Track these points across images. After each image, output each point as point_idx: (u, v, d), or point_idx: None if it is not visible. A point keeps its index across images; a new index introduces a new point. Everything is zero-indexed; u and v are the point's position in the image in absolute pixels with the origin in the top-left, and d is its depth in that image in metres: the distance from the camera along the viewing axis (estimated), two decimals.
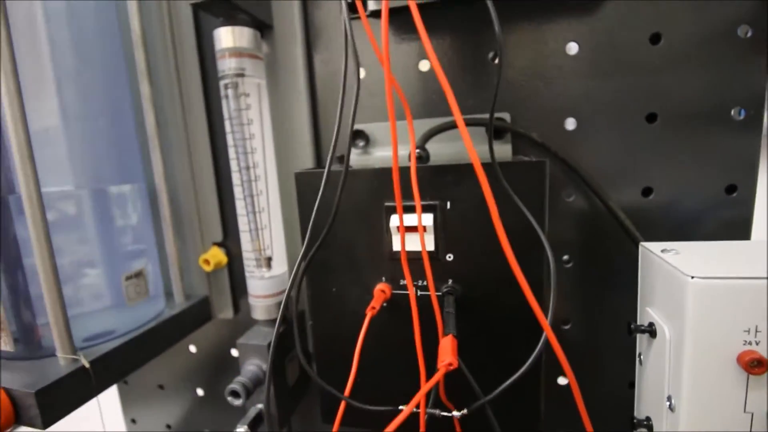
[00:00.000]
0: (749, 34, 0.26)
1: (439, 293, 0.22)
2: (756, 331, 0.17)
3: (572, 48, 0.28)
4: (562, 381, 0.32)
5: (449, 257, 0.22)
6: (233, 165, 0.30)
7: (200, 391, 0.42)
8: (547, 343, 0.18)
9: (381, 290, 0.23)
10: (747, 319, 0.17)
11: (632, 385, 0.30)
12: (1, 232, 0.27)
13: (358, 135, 0.32)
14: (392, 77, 0.20)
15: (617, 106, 0.28)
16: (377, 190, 0.23)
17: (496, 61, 0.30)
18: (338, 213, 0.22)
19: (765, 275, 0.17)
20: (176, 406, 0.44)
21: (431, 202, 0.22)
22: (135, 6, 0.32)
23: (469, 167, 0.22)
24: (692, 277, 0.18)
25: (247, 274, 0.32)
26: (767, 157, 0.33)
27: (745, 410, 0.18)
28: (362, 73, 0.32)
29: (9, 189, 0.27)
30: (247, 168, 0.29)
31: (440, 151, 0.30)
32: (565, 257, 0.31)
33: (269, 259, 0.31)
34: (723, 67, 0.26)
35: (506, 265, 0.19)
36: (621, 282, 0.30)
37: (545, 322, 0.17)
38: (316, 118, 0.33)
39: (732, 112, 0.27)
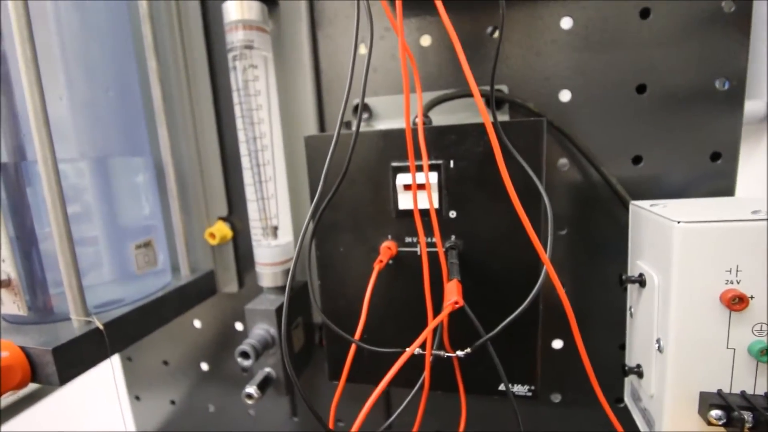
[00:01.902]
0: (732, 9, 0.28)
1: (444, 249, 0.24)
2: (737, 271, 0.19)
3: (566, 22, 0.30)
4: (557, 344, 0.34)
5: (452, 214, 0.24)
6: (241, 135, 0.31)
7: (204, 366, 0.43)
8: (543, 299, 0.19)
9: (387, 247, 0.24)
10: (728, 259, 0.19)
11: (623, 347, 0.31)
12: (15, 200, 0.27)
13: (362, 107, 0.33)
14: (405, 44, 0.21)
15: (609, 78, 0.30)
16: (383, 152, 0.24)
17: (495, 35, 0.31)
18: (346, 174, 0.23)
19: (745, 218, 0.19)
20: (180, 382, 0.44)
21: (436, 162, 0.23)
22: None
23: (471, 127, 0.23)
24: (678, 222, 0.19)
25: (254, 243, 0.33)
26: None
27: (728, 346, 0.20)
28: (363, 48, 0.33)
29: (21, 156, 0.28)
30: (254, 138, 0.30)
31: (442, 121, 0.31)
32: (560, 227, 0.32)
33: (276, 228, 0.32)
34: (708, 40, 0.28)
35: (506, 220, 0.21)
36: (612, 248, 0.31)
37: (545, 256, 0.18)
38: (320, 91, 0.34)
39: (716, 84, 0.28)
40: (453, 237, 0.24)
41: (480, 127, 0.23)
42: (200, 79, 0.35)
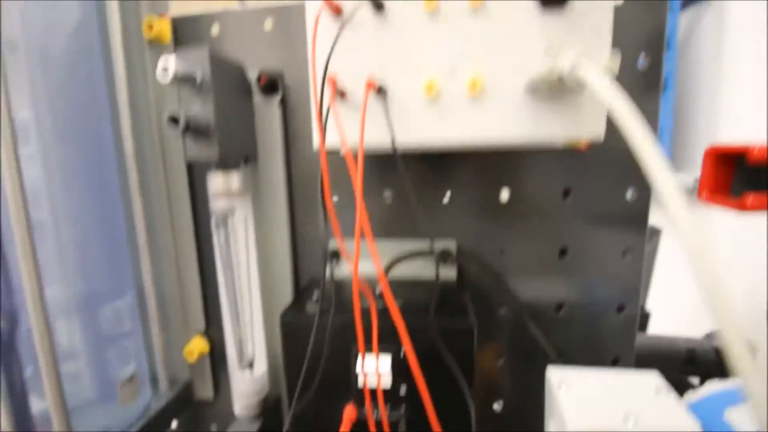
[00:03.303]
0: (635, 198, 0.34)
1: (394, 420, 0.28)
2: None
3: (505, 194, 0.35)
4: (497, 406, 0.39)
5: (403, 391, 0.29)
6: (221, 285, 0.34)
7: None
8: None
9: (348, 415, 0.28)
10: None
11: None
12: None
13: (333, 254, 0.37)
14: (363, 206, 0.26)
15: (536, 241, 0.36)
16: (347, 336, 0.29)
17: (446, 200, 0.36)
18: (318, 353, 0.28)
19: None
20: None
21: (388, 347, 0.28)
22: (128, 127, 0.36)
23: (415, 331, 0.28)
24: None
25: (230, 374, 0.36)
26: None
27: None
28: (335, 197, 0.37)
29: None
30: (234, 291, 0.34)
31: (401, 270, 0.36)
32: (500, 360, 0.38)
33: (251, 362, 0.36)
34: (615, 224, 0.34)
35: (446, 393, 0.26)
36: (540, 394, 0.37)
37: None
38: (294, 240, 0.38)
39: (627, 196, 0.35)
40: (403, 408, 0.29)
41: (422, 332, 0.28)
42: (183, 214, 0.38)
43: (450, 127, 0.25)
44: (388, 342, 0.28)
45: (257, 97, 0.35)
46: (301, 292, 0.35)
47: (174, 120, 0.27)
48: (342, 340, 0.29)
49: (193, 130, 0.28)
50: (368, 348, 0.27)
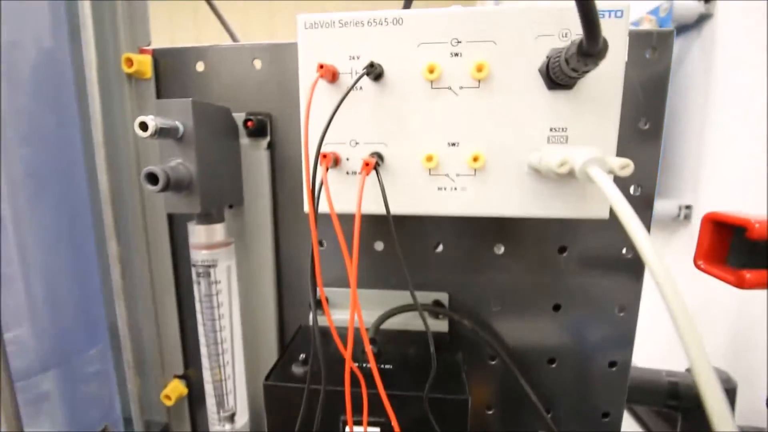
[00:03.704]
0: (630, 255, 0.33)
1: None
2: None
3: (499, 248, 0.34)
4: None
5: None
6: (201, 339, 0.32)
7: None
8: None
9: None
10: None
11: None
12: None
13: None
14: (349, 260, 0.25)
15: (532, 295, 0.35)
16: (335, 402, 0.27)
17: (439, 249, 0.35)
18: (307, 420, 0.26)
19: None
20: None
21: (378, 419, 0.27)
22: (104, 166, 0.33)
23: (411, 397, 0.27)
24: None
25: (209, 426, 0.35)
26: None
27: None
28: (324, 244, 0.36)
29: None
30: (216, 343, 0.32)
31: (392, 320, 0.35)
32: (489, 411, 0.37)
33: (233, 415, 0.34)
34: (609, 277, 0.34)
35: None
36: None
37: None
38: (280, 291, 0.36)
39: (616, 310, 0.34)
40: None
41: (415, 400, 0.26)
42: (162, 255, 0.36)
43: (449, 200, 0.24)
44: (381, 410, 0.27)
45: (244, 139, 0.33)
46: (287, 346, 0.34)
47: (152, 177, 0.25)
48: (330, 407, 0.28)
49: (174, 184, 0.26)
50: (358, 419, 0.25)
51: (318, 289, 0.22)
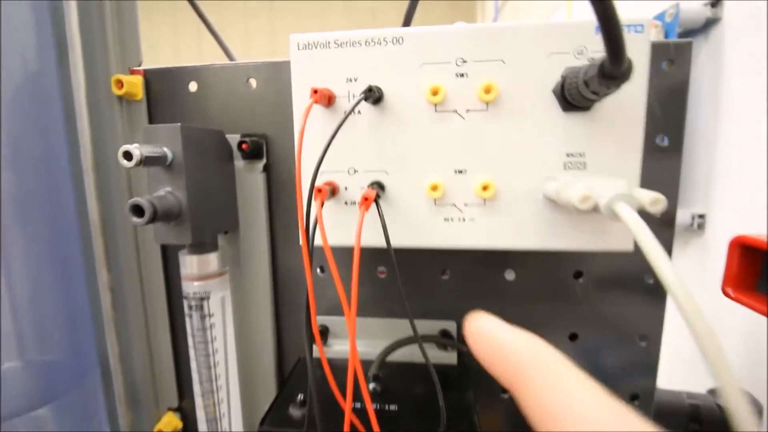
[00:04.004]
0: (651, 281, 0.31)
1: None
2: None
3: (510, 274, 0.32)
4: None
5: None
6: (194, 376, 0.31)
7: None
8: None
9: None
10: None
11: None
12: None
13: (321, 333, 0.34)
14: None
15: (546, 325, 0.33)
16: None
17: (445, 276, 0.33)
18: None
19: None
20: None
21: None
22: (93, 192, 0.32)
23: None
24: None
25: None
26: None
27: None
28: (324, 270, 0.34)
29: None
30: (210, 380, 0.30)
31: (396, 353, 0.33)
32: None
33: None
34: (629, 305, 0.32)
35: None
36: None
37: None
38: (278, 320, 0.34)
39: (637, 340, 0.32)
40: None
41: None
42: (155, 284, 0.35)
43: (457, 232, 0.22)
44: None
45: (239, 162, 0.32)
46: (285, 382, 0.32)
47: (138, 209, 0.23)
48: None
49: (162, 214, 0.25)
50: None
51: (313, 330, 0.20)
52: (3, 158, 0.29)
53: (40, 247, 0.32)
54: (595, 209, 0.16)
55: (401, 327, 0.34)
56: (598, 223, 0.20)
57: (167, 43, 3.01)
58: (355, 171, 0.22)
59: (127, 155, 0.22)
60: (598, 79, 0.16)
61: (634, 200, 0.16)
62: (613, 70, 0.15)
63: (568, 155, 0.20)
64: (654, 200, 0.16)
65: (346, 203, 0.22)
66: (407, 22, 0.28)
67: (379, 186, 0.21)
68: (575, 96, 0.18)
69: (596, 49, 0.19)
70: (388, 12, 2.95)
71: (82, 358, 0.34)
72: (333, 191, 0.22)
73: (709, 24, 0.84)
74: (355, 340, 0.19)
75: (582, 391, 0.11)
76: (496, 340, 0.14)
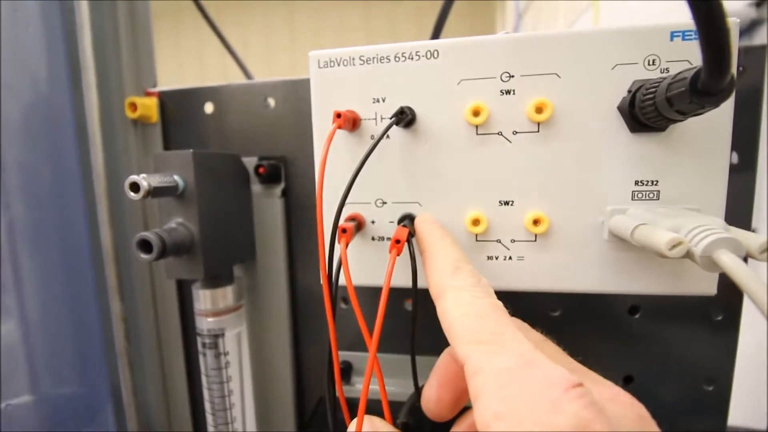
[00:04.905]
0: (720, 318, 0.27)
1: None
2: None
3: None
4: None
5: None
6: (209, 418, 0.28)
7: None
8: None
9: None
10: None
11: None
12: None
13: (343, 371, 0.31)
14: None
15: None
16: None
17: None
18: None
19: None
20: None
21: None
22: (106, 219, 0.30)
23: None
24: None
25: None
26: None
27: None
28: (347, 301, 0.31)
29: None
30: (226, 423, 0.28)
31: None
32: None
33: None
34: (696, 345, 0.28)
35: None
36: None
37: None
38: (298, 356, 0.32)
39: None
40: None
41: None
42: (170, 316, 0.33)
43: (502, 272, 0.19)
44: None
45: (256, 186, 0.30)
46: (306, 424, 0.29)
47: (146, 244, 0.21)
48: None
49: (172, 248, 0.23)
50: None
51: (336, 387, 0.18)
52: (14, 186, 0.28)
53: (51, 276, 0.30)
54: (686, 255, 0.13)
55: (430, 364, 0.30)
56: (676, 264, 0.17)
57: (194, 57, 3.11)
58: (383, 203, 0.19)
59: (134, 187, 0.20)
60: (689, 96, 0.13)
61: (739, 246, 0.12)
62: (710, 85, 0.12)
63: (637, 183, 0.17)
64: (763, 247, 0.12)
65: (373, 239, 0.20)
66: (437, 33, 0.25)
67: (410, 220, 0.18)
68: (650, 115, 0.15)
69: (671, 58, 0.16)
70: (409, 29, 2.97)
71: (94, 391, 0.33)
72: (359, 226, 0.19)
73: (754, 25, 0.79)
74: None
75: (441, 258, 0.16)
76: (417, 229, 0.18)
